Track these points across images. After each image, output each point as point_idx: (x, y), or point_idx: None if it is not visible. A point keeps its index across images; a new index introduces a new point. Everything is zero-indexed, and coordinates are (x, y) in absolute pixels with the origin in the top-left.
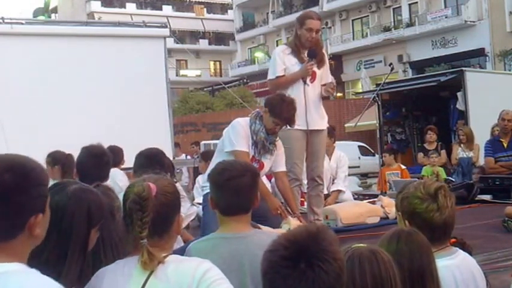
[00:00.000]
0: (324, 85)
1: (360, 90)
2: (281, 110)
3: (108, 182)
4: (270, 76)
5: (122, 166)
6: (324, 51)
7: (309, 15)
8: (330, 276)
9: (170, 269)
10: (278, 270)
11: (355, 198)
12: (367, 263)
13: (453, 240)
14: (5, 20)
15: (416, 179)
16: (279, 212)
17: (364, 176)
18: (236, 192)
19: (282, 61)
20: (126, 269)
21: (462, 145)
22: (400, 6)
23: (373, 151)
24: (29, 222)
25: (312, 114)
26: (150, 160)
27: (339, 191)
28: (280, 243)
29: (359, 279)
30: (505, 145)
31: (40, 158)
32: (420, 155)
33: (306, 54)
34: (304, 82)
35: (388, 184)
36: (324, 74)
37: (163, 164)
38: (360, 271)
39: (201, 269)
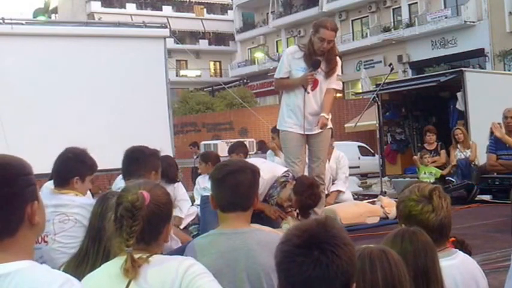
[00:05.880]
0: (332, 89)
1: (360, 91)
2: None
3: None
4: (276, 75)
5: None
6: (337, 58)
7: (324, 24)
8: (343, 260)
9: (150, 273)
10: (293, 259)
11: (355, 199)
12: (378, 262)
13: (452, 239)
14: (5, 21)
15: (417, 179)
16: (277, 214)
17: (364, 176)
18: (235, 187)
19: (289, 64)
20: (111, 270)
21: (459, 145)
22: (399, 7)
23: (373, 151)
24: (27, 211)
25: (310, 121)
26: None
27: (339, 191)
28: (292, 233)
29: (370, 278)
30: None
31: (40, 157)
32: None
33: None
34: (305, 90)
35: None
36: (332, 80)
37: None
38: (370, 270)
39: (184, 264)
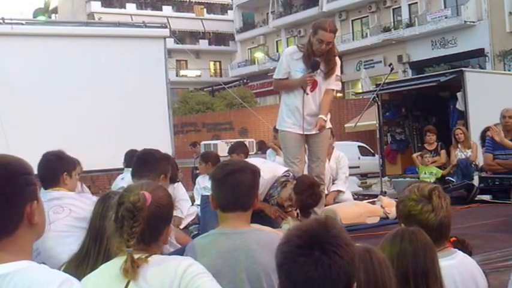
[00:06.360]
0: (330, 90)
1: (360, 91)
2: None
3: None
4: (275, 75)
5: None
6: (337, 58)
7: (323, 25)
8: (345, 260)
9: (150, 273)
10: (295, 260)
11: (355, 199)
12: (361, 262)
13: (453, 239)
14: (5, 21)
15: (417, 179)
16: (277, 214)
17: (364, 176)
18: (235, 187)
19: (288, 64)
20: (111, 270)
21: (459, 145)
22: (399, 7)
23: (372, 151)
24: (26, 211)
25: (309, 122)
26: (145, 163)
27: (338, 191)
28: (293, 234)
29: None
30: None
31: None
32: (415, 156)
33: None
34: (304, 91)
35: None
36: (331, 81)
37: (157, 168)
38: None
39: (183, 264)
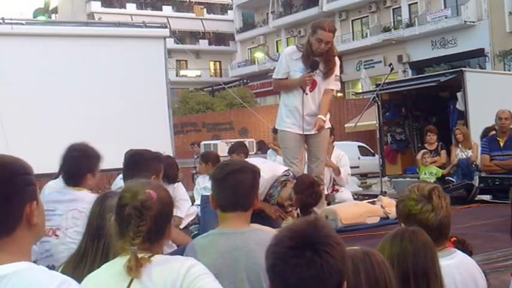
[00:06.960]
0: (330, 90)
1: (360, 91)
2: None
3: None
4: (274, 75)
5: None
6: (336, 59)
7: (321, 25)
8: (337, 259)
9: (154, 272)
10: (287, 261)
11: (355, 199)
12: (361, 264)
13: (453, 239)
14: (5, 21)
15: (417, 179)
16: (278, 214)
17: (364, 176)
18: (235, 187)
19: (287, 64)
20: (113, 270)
21: (460, 145)
22: (399, 7)
23: (372, 151)
24: (25, 211)
25: (308, 122)
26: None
27: (339, 172)
28: (284, 235)
29: (353, 281)
30: (501, 144)
31: (40, 157)
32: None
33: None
34: (303, 91)
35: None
36: (330, 81)
37: (151, 168)
38: (353, 272)
39: (186, 265)
